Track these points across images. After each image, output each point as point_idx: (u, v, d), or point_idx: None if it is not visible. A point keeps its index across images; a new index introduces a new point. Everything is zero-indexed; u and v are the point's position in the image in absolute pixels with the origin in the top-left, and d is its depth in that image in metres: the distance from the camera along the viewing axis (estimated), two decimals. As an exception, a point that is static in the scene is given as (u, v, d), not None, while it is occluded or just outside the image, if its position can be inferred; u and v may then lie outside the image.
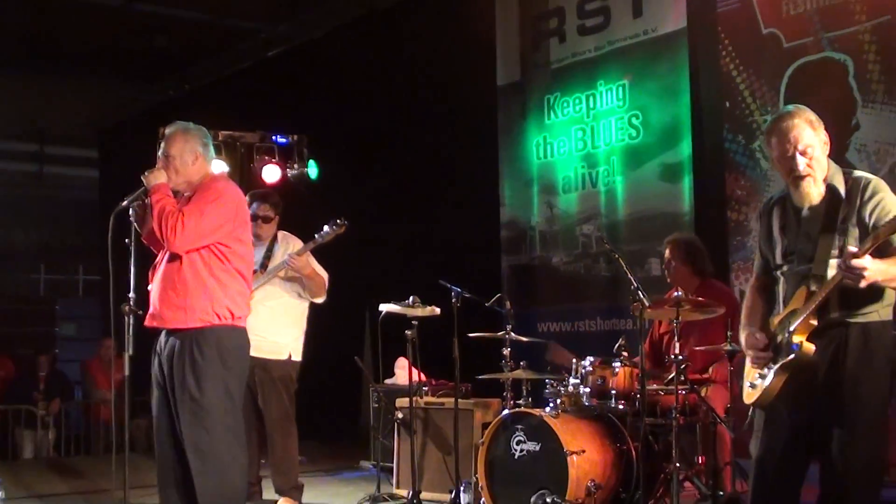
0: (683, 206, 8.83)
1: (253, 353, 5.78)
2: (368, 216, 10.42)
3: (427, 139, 11.07)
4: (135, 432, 11.84)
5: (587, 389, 6.57)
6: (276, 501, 7.34)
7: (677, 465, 6.04)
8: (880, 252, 4.15)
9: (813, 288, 4.31)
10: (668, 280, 7.09)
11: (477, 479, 6.61)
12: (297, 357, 7.50)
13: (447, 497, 7.19)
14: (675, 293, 6.23)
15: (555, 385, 6.79)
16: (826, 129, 4.54)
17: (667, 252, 7.12)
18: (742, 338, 4.66)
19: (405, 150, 11.39)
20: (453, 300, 7.24)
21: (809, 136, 4.40)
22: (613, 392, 6.48)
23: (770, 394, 4.39)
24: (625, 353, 6.62)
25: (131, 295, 5.18)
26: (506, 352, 7.07)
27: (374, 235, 10.93)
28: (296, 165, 10.11)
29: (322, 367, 9.72)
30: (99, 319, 15.67)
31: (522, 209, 10.35)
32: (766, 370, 4.43)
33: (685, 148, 8.86)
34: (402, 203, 11.38)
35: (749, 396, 4.56)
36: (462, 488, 6.71)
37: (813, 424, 4.38)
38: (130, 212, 5.42)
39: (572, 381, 6.68)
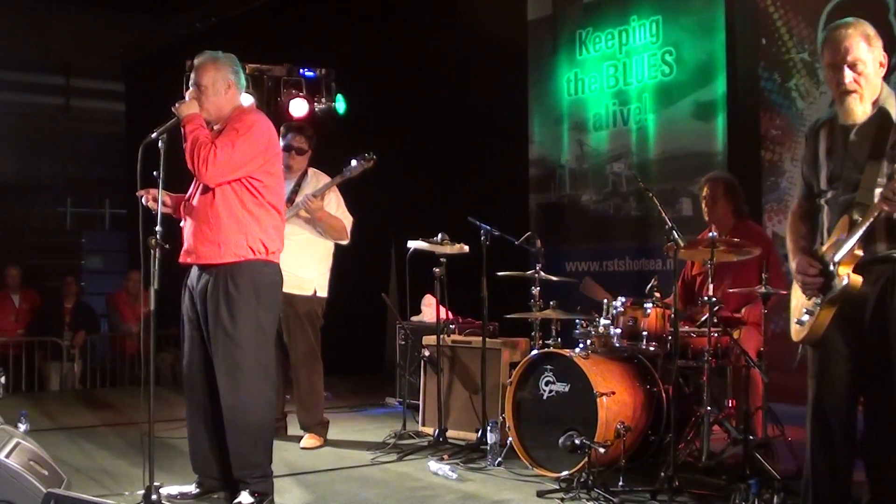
0: (717, 145, 8.71)
1: (278, 288, 5.70)
2: (396, 152, 10.32)
3: (456, 74, 10.94)
4: (160, 366, 11.89)
5: (618, 330, 6.51)
6: (301, 437, 7.34)
7: (708, 408, 5.99)
8: None
9: (856, 217, 4.13)
10: (707, 219, 6.92)
11: (504, 418, 6.57)
12: (323, 293, 7.45)
13: (473, 436, 7.16)
14: (710, 234, 6.12)
15: (585, 325, 6.72)
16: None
17: (706, 190, 6.96)
18: (792, 265, 4.43)
19: (433, 84, 11.26)
20: (482, 238, 7.18)
21: (862, 50, 4.17)
22: (644, 333, 6.42)
23: (818, 330, 4.24)
24: (657, 294, 6.52)
25: (158, 228, 5.11)
26: (535, 291, 7.00)
27: (401, 171, 10.85)
28: (323, 99, 10.00)
29: (348, 304, 9.71)
30: (125, 253, 15.72)
31: (552, 147, 10.26)
32: (812, 306, 4.27)
33: (719, 86, 8.75)
34: (430, 139, 11.28)
35: (797, 333, 4.39)
36: (489, 428, 6.66)
37: (863, 362, 4.25)
38: (160, 144, 5.33)
39: (603, 321, 6.62)
